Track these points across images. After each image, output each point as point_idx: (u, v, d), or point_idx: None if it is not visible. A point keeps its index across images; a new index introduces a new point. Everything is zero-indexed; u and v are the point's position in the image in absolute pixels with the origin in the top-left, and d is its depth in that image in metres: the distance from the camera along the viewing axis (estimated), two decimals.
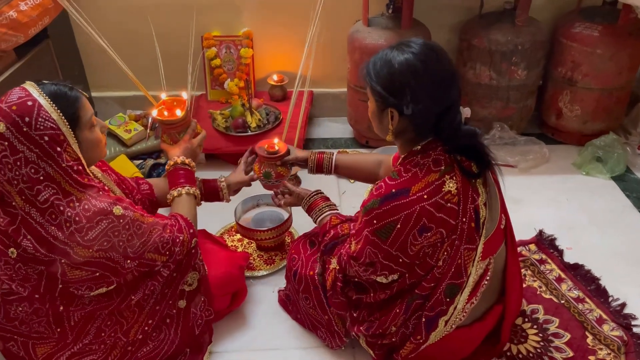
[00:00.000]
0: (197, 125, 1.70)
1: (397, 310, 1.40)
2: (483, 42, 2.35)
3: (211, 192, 1.75)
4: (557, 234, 2.01)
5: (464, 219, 1.30)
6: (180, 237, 1.43)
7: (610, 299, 1.75)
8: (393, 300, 1.42)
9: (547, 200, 2.23)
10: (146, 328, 1.46)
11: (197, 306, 1.53)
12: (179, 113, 1.63)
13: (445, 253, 1.33)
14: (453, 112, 1.29)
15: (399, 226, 1.28)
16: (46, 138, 1.22)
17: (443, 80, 1.27)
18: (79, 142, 1.30)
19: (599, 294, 1.77)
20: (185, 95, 1.68)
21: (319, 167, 1.76)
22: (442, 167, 1.30)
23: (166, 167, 1.61)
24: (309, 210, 1.67)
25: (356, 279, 1.45)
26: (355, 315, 1.49)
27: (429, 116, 1.28)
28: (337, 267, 1.49)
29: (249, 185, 1.81)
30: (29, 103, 1.22)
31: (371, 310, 1.46)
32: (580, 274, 1.84)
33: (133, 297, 1.40)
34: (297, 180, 1.90)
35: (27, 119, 1.21)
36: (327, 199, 1.68)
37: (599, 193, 2.27)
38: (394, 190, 1.29)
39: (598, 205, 2.20)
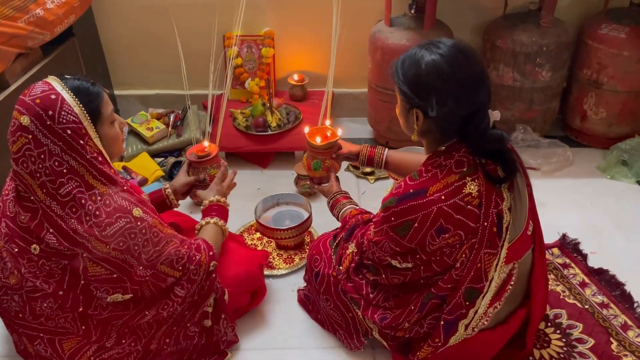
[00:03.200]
0: (227, 169, 1.78)
1: (412, 307, 1.39)
2: (507, 43, 2.33)
3: (158, 202, 1.70)
4: (581, 238, 1.97)
5: (485, 223, 1.28)
6: (198, 257, 1.44)
7: (635, 304, 1.71)
8: (409, 293, 1.41)
9: (570, 203, 2.20)
10: (164, 346, 1.48)
11: (220, 323, 1.55)
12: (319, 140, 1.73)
13: (464, 255, 1.31)
14: (480, 116, 1.26)
15: (416, 225, 1.28)
16: (69, 131, 1.24)
17: (470, 84, 1.24)
18: (100, 137, 1.32)
19: (624, 299, 1.73)
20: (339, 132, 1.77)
21: (370, 161, 1.77)
22: (464, 169, 1.28)
23: (201, 207, 1.66)
24: (331, 207, 1.71)
25: (370, 262, 1.46)
26: (372, 296, 1.48)
27: (454, 119, 1.27)
28: (355, 250, 1.50)
29: (197, 186, 1.76)
30: (53, 97, 1.24)
31: (387, 295, 1.46)
32: (604, 279, 1.81)
33: (147, 313, 1.39)
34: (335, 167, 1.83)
35: (50, 112, 1.22)
36: (349, 197, 1.72)
37: (624, 197, 2.23)
38: (411, 191, 1.29)
39: (623, 209, 2.16)
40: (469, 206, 1.27)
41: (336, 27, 2.21)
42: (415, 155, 1.76)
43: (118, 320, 1.38)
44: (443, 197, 1.26)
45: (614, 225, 2.08)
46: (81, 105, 1.27)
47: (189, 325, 1.49)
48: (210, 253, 1.48)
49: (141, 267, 1.32)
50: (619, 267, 1.84)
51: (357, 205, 1.69)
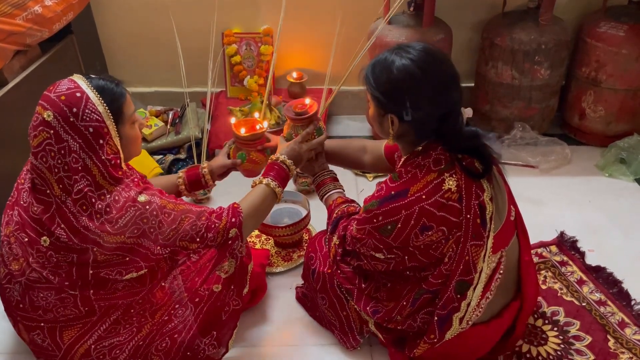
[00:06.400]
0: (319, 129, 1.66)
1: (404, 303, 1.41)
2: (506, 41, 2.33)
3: (194, 179, 1.69)
4: (579, 236, 1.98)
5: (468, 216, 1.29)
6: (217, 224, 1.41)
7: (632, 302, 1.72)
8: (399, 285, 1.43)
9: (568, 201, 2.20)
10: (172, 311, 1.47)
11: (228, 290, 1.53)
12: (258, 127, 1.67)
13: (451, 250, 1.32)
14: (454, 115, 1.29)
15: (399, 225, 1.30)
16: (91, 130, 1.26)
17: (443, 86, 1.27)
18: (120, 137, 1.34)
19: (621, 297, 1.74)
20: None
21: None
22: (442, 166, 1.30)
23: (269, 159, 1.61)
24: (317, 187, 1.69)
25: (352, 250, 1.47)
26: (363, 286, 1.49)
27: (429, 121, 1.29)
28: (337, 242, 1.51)
29: (235, 169, 1.73)
30: (78, 94, 1.26)
31: (378, 285, 1.47)
32: (602, 277, 1.81)
33: (164, 283, 1.43)
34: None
35: (74, 110, 1.25)
36: (336, 179, 1.69)
37: (622, 195, 2.23)
38: (393, 192, 1.31)
39: (621, 207, 2.17)
40: (450, 202, 1.28)
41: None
42: (352, 142, 1.75)
43: (135, 297, 1.39)
44: (424, 197, 1.28)
45: (612, 223, 2.08)
46: (105, 104, 1.29)
47: (198, 287, 1.49)
48: (233, 220, 1.43)
49: (158, 247, 1.34)
50: (616, 265, 1.85)
51: (342, 190, 1.67)
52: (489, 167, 1.31)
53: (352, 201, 1.63)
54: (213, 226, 1.40)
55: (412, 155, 1.35)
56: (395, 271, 1.41)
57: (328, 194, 1.65)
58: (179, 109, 2.62)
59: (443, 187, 1.28)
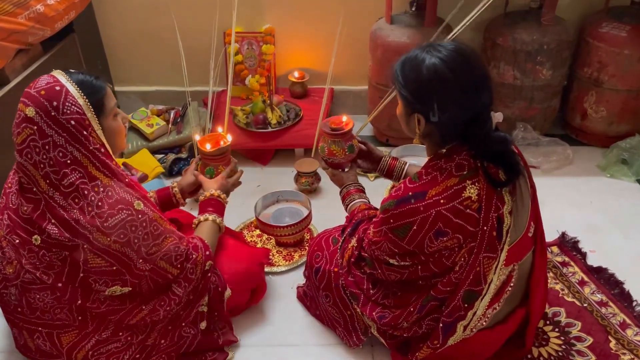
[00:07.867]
0: (236, 166, 1.75)
1: (412, 309, 1.40)
2: (507, 41, 2.33)
3: (165, 200, 1.70)
4: (580, 236, 1.98)
5: (485, 227, 1.27)
6: (194, 256, 1.45)
7: (634, 303, 1.72)
8: (409, 293, 1.41)
9: (570, 202, 2.20)
10: (162, 342, 1.48)
11: (217, 327, 1.57)
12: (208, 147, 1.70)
13: (463, 259, 1.30)
14: (482, 119, 1.25)
15: (415, 227, 1.27)
16: (72, 122, 1.26)
17: (472, 88, 1.23)
18: (103, 129, 1.34)
19: (623, 297, 1.74)
20: (229, 137, 1.75)
21: (389, 172, 1.73)
22: (464, 172, 1.27)
23: (200, 197, 1.65)
24: (343, 198, 1.68)
25: (367, 256, 1.45)
26: (372, 292, 1.48)
27: (456, 123, 1.26)
28: (355, 245, 1.50)
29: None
30: (57, 88, 1.26)
31: (387, 293, 1.45)
32: (603, 278, 1.81)
33: (144, 307, 1.40)
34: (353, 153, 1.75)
35: (55, 103, 1.25)
36: (362, 190, 1.68)
37: (623, 196, 2.23)
38: (410, 193, 1.28)
39: (623, 208, 2.16)
40: (468, 210, 1.26)
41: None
42: None
43: (115, 315, 1.38)
44: (442, 201, 1.25)
45: (614, 224, 2.08)
46: (85, 97, 1.29)
47: (183, 325, 1.50)
48: (207, 252, 1.50)
49: (140, 260, 1.33)
50: (618, 265, 1.85)
51: (367, 200, 1.66)
52: (513, 177, 1.28)
53: (376, 208, 1.61)
54: (192, 257, 1.44)
55: (435, 157, 1.33)
56: (408, 280, 1.40)
57: (353, 202, 1.64)
58: (180, 108, 2.62)
59: (463, 194, 1.25)
